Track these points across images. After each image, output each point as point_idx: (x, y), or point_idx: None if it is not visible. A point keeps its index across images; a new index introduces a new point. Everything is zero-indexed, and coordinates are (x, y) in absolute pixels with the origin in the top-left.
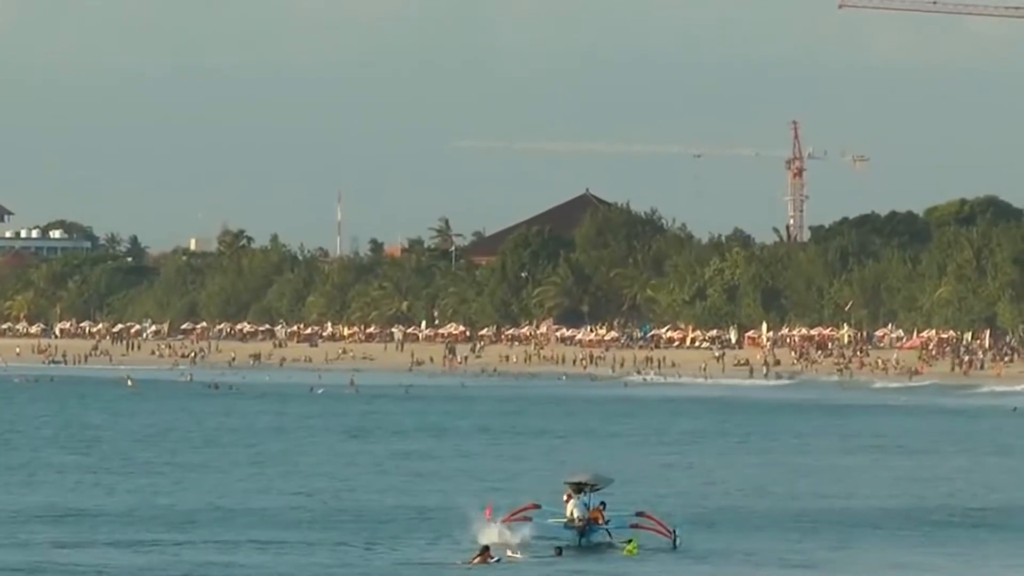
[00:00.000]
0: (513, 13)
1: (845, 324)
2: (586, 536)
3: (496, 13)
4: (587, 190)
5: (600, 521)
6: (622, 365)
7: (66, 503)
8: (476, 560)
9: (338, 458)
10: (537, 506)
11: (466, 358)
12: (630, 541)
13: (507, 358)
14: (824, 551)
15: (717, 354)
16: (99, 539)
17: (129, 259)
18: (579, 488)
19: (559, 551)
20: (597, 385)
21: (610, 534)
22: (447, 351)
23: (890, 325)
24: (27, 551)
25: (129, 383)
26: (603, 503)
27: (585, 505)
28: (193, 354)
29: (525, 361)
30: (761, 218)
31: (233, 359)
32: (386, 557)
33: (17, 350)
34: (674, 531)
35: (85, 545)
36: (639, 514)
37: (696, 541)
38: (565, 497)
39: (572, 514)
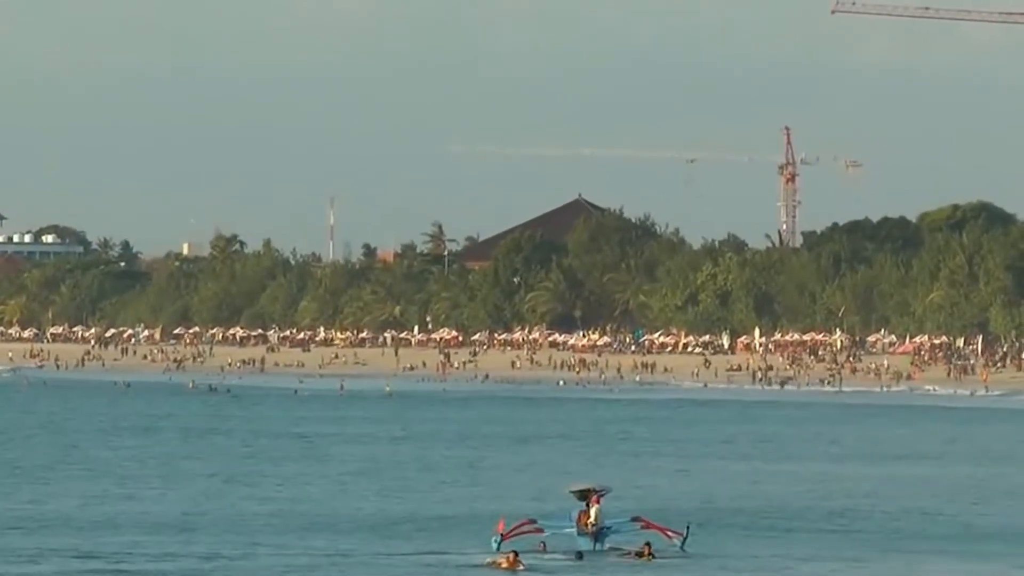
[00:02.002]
0: (507, 19)
1: (838, 329)
2: (599, 541)
3: (490, 18)
4: (580, 195)
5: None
6: (619, 370)
7: None
8: (504, 564)
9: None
10: (533, 521)
11: (465, 363)
12: (640, 553)
13: (513, 364)
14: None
15: (704, 360)
16: None
17: (121, 264)
18: (583, 495)
19: (580, 555)
20: (559, 390)
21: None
22: (442, 356)
23: (882, 330)
24: None
25: (124, 384)
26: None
27: (600, 511)
28: (185, 359)
29: (515, 367)
30: (754, 223)
31: (231, 364)
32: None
33: (10, 354)
34: (687, 528)
35: None
36: (634, 519)
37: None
38: (590, 502)
39: (596, 519)
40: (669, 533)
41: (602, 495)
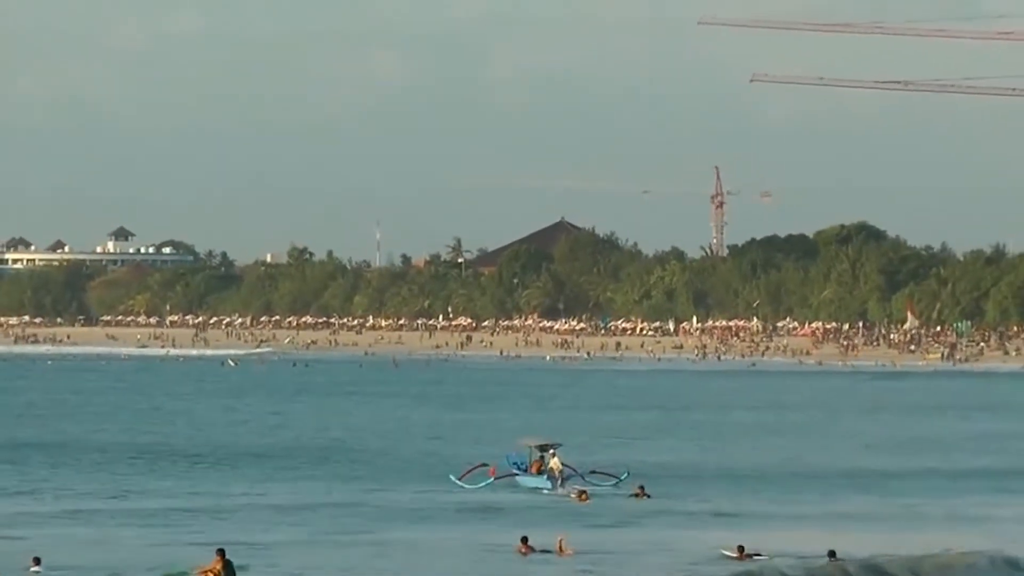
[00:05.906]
0: (505, 88)
1: (755, 317)
2: (563, 483)
3: (493, 88)
4: (563, 218)
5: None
6: (602, 348)
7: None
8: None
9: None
10: (485, 464)
11: (489, 343)
12: (636, 495)
13: (536, 343)
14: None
15: (655, 340)
16: None
17: (221, 269)
18: (544, 448)
19: (581, 493)
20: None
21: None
22: (465, 338)
23: (788, 318)
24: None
25: (231, 363)
26: (543, 457)
27: (558, 460)
28: (268, 340)
29: (536, 344)
30: (692, 238)
31: (310, 343)
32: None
33: (138, 336)
34: (625, 473)
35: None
36: (565, 466)
37: None
38: (549, 455)
39: (561, 466)
40: (580, 474)
41: (555, 447)
